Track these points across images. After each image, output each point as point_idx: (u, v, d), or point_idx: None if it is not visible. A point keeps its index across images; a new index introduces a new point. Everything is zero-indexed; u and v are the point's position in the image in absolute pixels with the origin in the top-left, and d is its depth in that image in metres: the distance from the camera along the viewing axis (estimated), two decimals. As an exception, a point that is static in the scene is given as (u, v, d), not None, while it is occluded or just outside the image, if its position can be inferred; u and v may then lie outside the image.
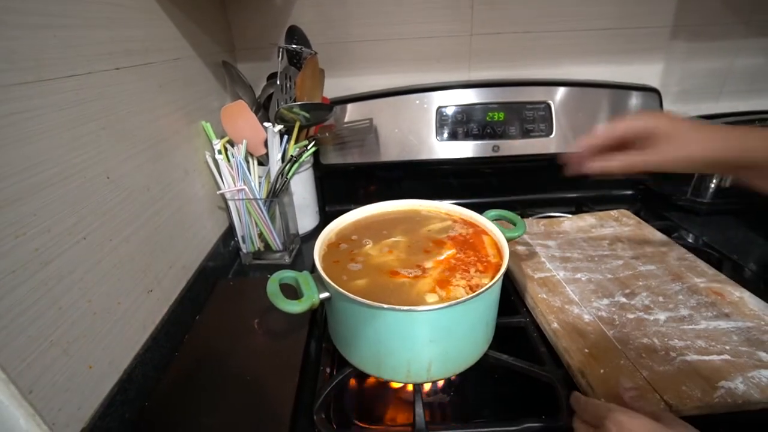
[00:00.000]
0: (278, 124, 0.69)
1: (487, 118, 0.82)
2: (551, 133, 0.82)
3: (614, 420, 0.33)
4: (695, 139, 0.40)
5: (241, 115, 0.69)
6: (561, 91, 0.82)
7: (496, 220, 0.56)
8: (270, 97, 0.76)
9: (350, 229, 0.57)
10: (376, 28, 0.84)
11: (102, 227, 0.44)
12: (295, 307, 0.44)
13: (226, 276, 0.72)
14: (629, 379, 0.41)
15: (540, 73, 0.88)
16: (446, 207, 0.60)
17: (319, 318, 0.59)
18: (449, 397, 0.52)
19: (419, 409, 0.44)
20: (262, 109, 0.78)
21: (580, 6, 0.83)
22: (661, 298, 0.55)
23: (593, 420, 0.36)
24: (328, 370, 0.51)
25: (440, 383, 0.53)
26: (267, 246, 0.74)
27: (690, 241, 0.75)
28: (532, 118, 0.82)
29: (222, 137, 0.69)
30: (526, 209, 0.84)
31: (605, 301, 0.55)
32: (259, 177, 0.71)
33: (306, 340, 0.54)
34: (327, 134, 0.79)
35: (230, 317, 0.60)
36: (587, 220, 0.77)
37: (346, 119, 0.82)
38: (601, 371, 0.45)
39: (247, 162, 0.70)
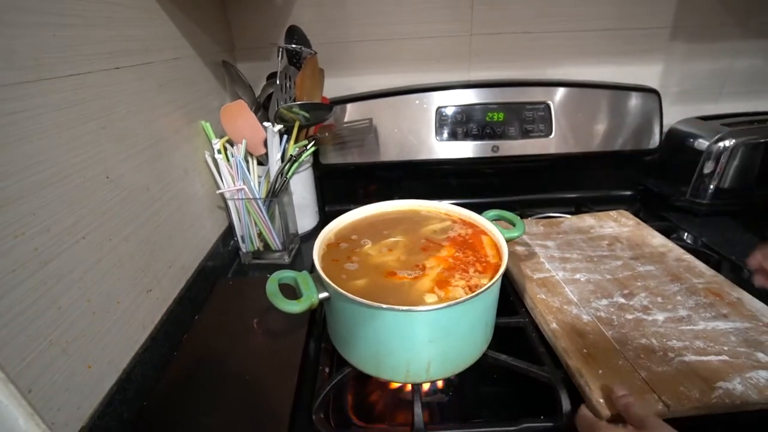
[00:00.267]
0: (278, 123, 0.69)
1: (487, 119, 0.82)
2: (551, 134, 0.83)
3: None
4: None
5: (240, 115, 0.69)
6: (560, 92, 0.82)
7: (495, 220, 0.56)
8: (270, 96, 0.76)
9: (350, 229, 0.57)
10: (376, 28, 0.84)
11: (101, 227, 0.44)
12: (294, 306, 0.44)
13: (226, 276, 0.72)
14: (623, 384, 0.41)
15: (539, 74, 0.89)
16: (446, 207, 0.60)
17: (318, 318, 0.59)
18: (448, 397, 0.52)
19: (418, 409, 0.44)
20: (262, 109, 0.78)
21: (579, 6, 0.83)
22: (659, 299, 0.55)
23: None
24: (327, 369, 0.51)
25: (439, 383, 0.53)
26: (266, 246, 0.74)
27: (689, 241, 0.76)
28: (531, 119, 0.82)
29: (221, 137, 0.69)
30: (525, 209, 0.84)
31: (604, 302, 0.55)
32: (259, 177, 0.71)
33: (305, 339, 0.55)
34: (327, 134, 0.79)
35: (229, 317, 0.60)
36: (586, 220, 0.77)
37: (345, 119, 0.82)
38: (600, 371, 0.45)
39: (247, 162, 0.70)
